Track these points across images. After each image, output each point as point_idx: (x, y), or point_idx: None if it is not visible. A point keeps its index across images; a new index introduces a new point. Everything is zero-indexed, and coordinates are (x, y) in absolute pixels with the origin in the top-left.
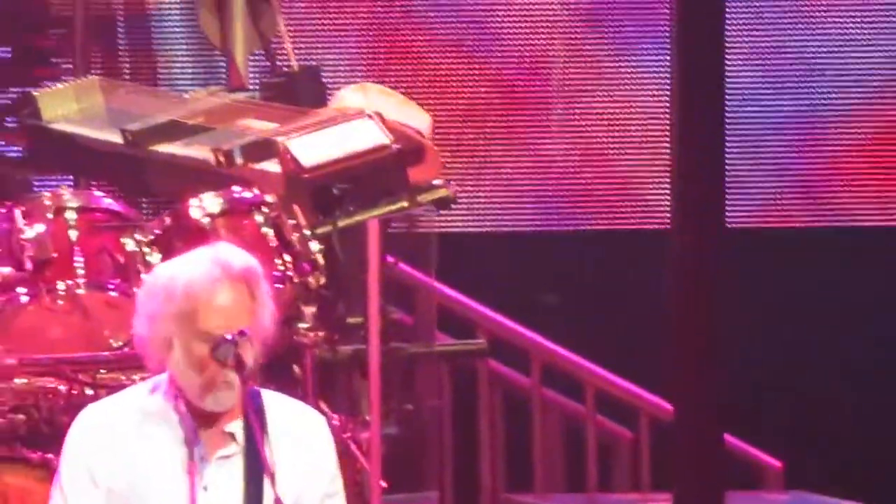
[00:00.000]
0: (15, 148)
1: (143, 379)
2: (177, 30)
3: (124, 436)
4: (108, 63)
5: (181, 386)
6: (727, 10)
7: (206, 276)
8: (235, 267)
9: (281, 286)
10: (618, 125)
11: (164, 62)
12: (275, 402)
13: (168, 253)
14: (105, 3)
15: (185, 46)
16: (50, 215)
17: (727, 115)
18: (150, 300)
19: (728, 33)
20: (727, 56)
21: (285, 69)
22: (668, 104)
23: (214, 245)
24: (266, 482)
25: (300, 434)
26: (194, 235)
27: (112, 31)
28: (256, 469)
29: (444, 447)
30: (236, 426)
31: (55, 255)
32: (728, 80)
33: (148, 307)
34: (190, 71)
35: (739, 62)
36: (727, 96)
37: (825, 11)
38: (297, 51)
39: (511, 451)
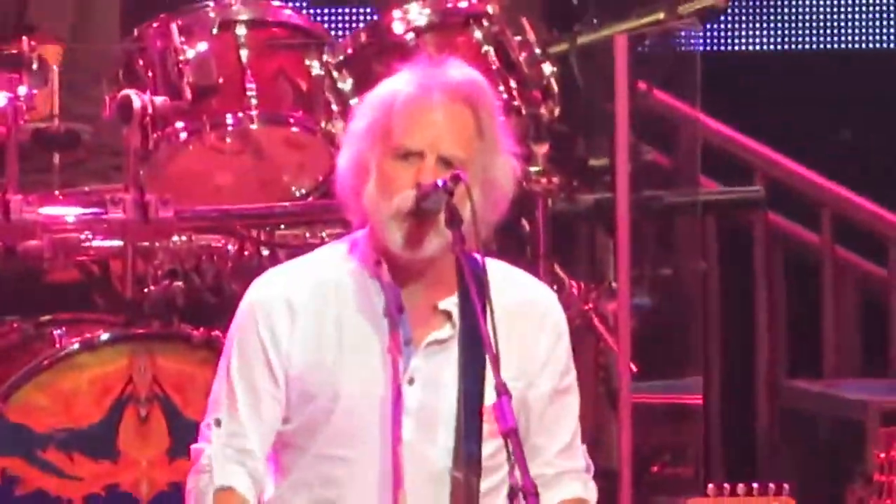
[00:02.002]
0: None
1: (333, 237)
2: None
3: (310, 309)
4: None
5: (380, 236)
6: None
7: (413, 84)
8: (455, 80)
9: (505, 119)
10: None
11: None
12: (497, 274)
13: (363, 78)
14: None
15: None
16: (215, 30)
17: None
18: (351, 125)
19: None
20: None
21: None
22: None
23: (433, 60)
24: (488, 373)
25: (527, 317)
26: (397, 55)
27: None
28: (476, 357)
29: (710, 322)
30: (452, 303)
31: (221, 80)
32: None
33: (348, 133)
34: None
35: None
36: None
37: None
38: None
39: (794, 326)
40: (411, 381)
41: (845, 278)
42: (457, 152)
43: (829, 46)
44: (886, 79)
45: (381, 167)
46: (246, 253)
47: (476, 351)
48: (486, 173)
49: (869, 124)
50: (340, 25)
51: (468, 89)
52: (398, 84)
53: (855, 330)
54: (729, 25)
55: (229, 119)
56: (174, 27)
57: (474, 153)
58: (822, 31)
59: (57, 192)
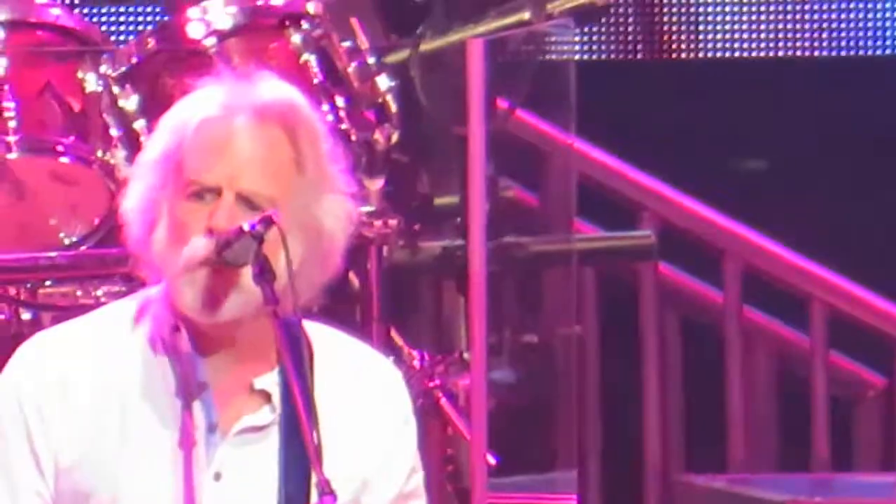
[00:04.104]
0: None
1: (112, 296)
2: None
3: (89, 387)
4: None
5: (172, 295)
6: None
7: (213, 105)
8: (266, 99)
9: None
10: None
11: None
12: (324, 343)
13: (151, 94)
14: None
15: None
16: None
17: None
18: (141, 155)
19: None
20: None
21: None
22: None
23: (240, 73)
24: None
25: (363, 400)
26: (194, 66)
27: None
28: (302, 448)
29: (587, 402)
30: (271, 381)
31: None
32: None
33: (137, 164)
34: None
35: None
36: None
37: None
38: None
39: (692, 406)
40: (217, 477)
41: (756, 346)
42: (263, 188)
43: (735, 55)
44: (805, 92)
45: (172, 209)
46: (1, 316)
47: (302, 440)
48: (310, 218)
49: (782, 152)
50: (122, 28)
51: (283, 110)
52: (195, 105)
53: (768, 411)
54: (612, 29)
55: None
56: None
57: (290, 191)
58: (725, 38)
59: None
